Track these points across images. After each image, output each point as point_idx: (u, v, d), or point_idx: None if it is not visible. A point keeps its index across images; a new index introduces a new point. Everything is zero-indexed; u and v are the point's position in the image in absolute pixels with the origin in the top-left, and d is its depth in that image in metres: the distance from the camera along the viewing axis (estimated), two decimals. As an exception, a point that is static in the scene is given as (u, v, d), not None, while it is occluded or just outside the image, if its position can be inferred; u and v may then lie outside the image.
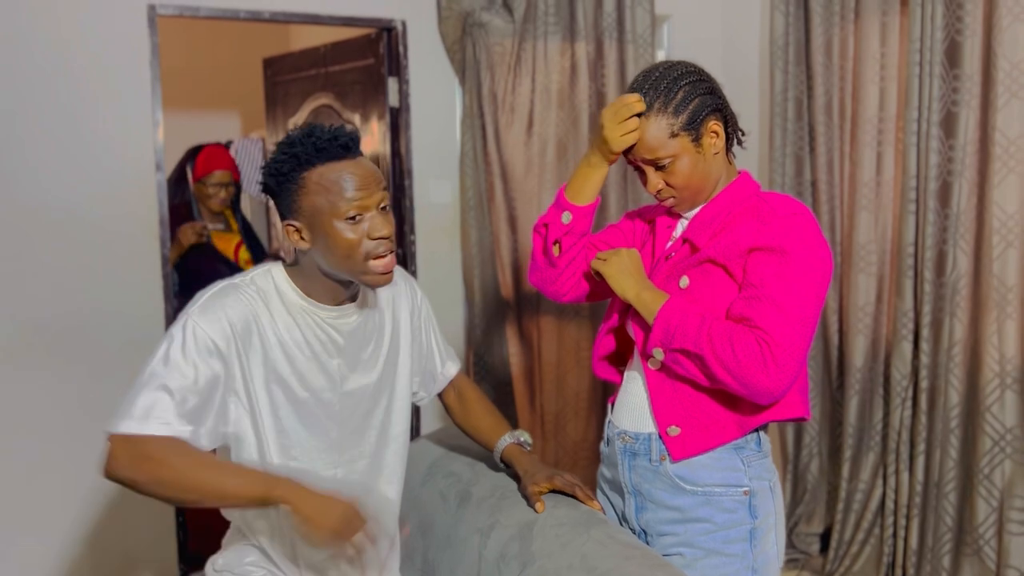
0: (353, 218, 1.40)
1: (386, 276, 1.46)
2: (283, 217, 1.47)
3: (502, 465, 1.74)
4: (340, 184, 1.40)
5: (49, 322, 2.79)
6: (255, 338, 1.46)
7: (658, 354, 1.54)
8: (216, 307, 1.44)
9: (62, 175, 2.79)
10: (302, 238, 1.45)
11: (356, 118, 3.47)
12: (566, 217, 1.67)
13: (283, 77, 3.96)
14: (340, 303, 1.55)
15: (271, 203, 3.23)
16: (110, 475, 1.37)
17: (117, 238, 2.87)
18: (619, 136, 1.55)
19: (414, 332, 1.69)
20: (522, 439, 1.73)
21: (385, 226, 1.43)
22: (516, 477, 1.70)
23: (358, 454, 1.60)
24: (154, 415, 1.37)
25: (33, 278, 2.77)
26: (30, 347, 2.77)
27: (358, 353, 1.58)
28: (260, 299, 1.48)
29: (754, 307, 1.45)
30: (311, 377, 1.52)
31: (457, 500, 1.77)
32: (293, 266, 1.54)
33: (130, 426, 1.37)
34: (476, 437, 1.80)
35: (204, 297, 1.47)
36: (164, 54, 3.01)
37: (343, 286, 1.53)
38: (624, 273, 1.59)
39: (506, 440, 1.72)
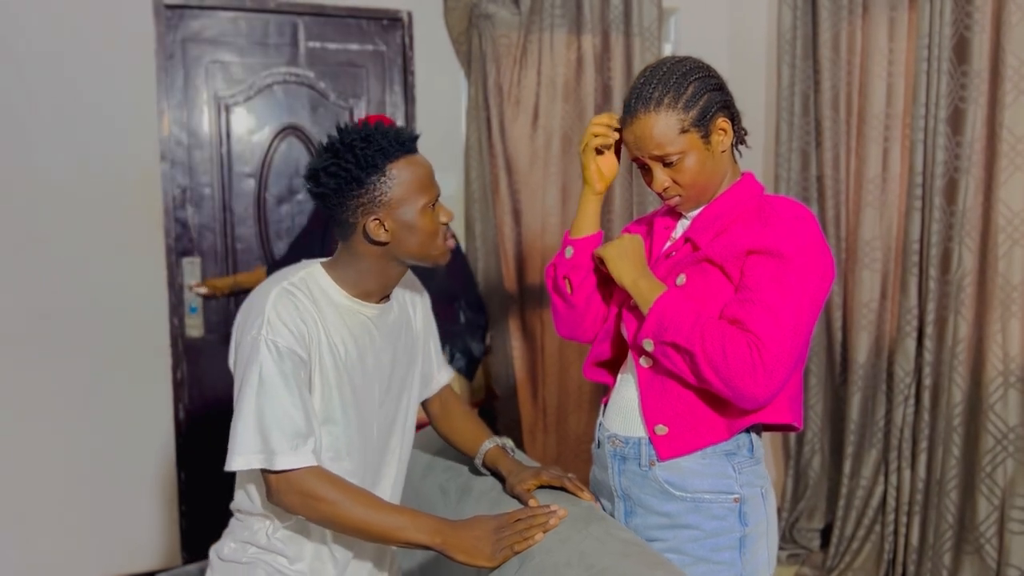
0: (432, 205, 1.51)
1: (449, 253, 1.58)
2: (357, 214, 1.47)
3: (484, 471, 1.72)
4: (422, 175, 1.51)
5: (53, 310, 2.80)
6: (315, 344, 1.46)
7: (647, 345, 1.51)
8: (284, 318, 1.42)
9: (67, 165, 2.79)
10: (385, 229, 1.48)
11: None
12: (568, 252, 1.69)
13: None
14: (379, 301, 1.57)
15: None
16: (276, 504, 1.44)
17: (122, 227, 2.87)
18: (590, 163, 1.61)
19: (423, 334, 1.72)
20: (506, 444, 1.72)
21: (448, 211, 1.58)
22: (501, 479, 1.67)
23: (389, 450, 1.62)
24: (299, 448, 1.40)
25: (38, 267, 2.78)
26: (34, 335, 2.78)
27: (393, 351, 1.60)
28: (312, 303, 1.47)
29: (748, 310, 1.43)
30: (358, 378, 1.52)
31: (458, 494, 1.76)
32: (333, 266, 1.54)
33: (285, 461, 1.39)
34: (457, 443, 1.78)
35: (267, 311, 1.43)
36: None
37: (390, 281, 1.55)
38: (624, 258, 1.57)
39: (487, 444, 1.71)
